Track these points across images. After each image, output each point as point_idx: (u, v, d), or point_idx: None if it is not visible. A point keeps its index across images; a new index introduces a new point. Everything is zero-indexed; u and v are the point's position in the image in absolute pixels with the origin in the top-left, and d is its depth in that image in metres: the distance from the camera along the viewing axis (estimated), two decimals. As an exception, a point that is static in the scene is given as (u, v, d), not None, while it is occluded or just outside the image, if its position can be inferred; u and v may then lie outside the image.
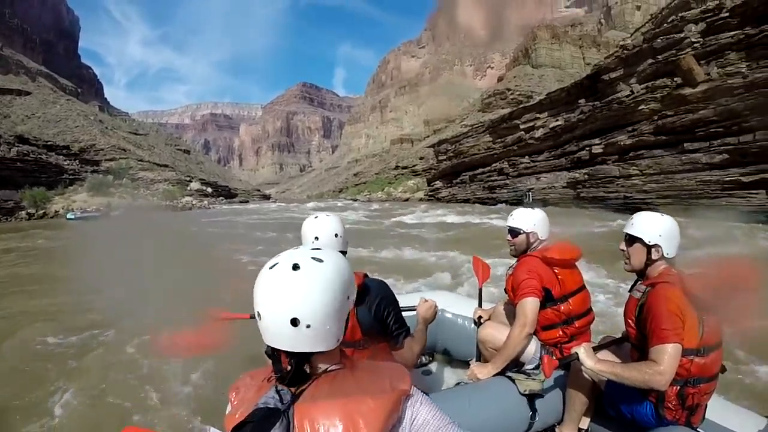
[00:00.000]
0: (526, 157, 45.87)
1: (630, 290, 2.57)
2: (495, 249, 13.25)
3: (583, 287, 2.99)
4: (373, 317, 2.10)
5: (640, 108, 31.63)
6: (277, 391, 1.11)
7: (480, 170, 54.92)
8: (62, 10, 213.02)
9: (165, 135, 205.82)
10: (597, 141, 34.94)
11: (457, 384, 3.18)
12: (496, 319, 3.40)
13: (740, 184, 23.38)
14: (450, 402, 2.47)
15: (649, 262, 2.46)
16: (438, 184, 70.20)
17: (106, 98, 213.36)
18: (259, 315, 1.12)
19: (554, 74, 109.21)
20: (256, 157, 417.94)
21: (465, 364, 3.57)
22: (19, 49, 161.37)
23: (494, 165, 51.46)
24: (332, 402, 1.08)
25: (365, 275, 2.29)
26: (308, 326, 1.11)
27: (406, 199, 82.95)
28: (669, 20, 36.75)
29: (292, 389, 1.12)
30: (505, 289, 3.14)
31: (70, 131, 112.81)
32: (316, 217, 2.45)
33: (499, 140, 52.63)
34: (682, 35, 32.45)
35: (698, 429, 2.32)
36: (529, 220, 3.08)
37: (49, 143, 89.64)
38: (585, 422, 2.72)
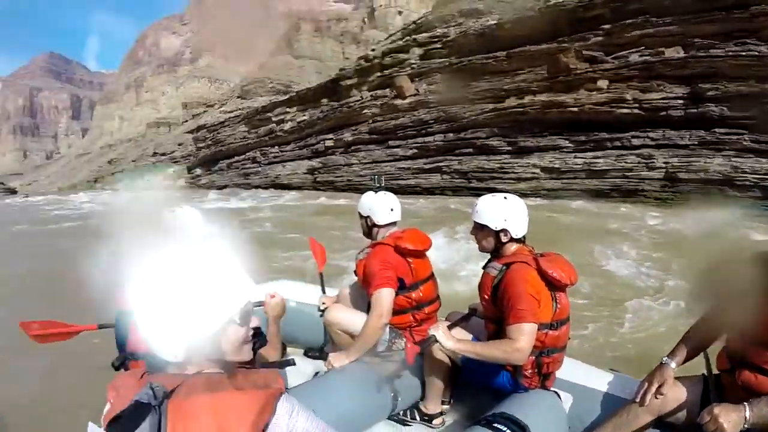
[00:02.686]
0: (276, 147, 51.34)
1: (484, 267, 2.66)
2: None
3: (432, 275, 3.10)
4: None
5: (364, 112, 38.83)
6: (151, 387, 1.12)
7: (236, 158, 59.19)
8: None
9: None
10: (330, 136, 41.71)
11: (315, 375, 3.23)
12: (342, 303, 3.46)
13: (423, 169, 31.99)
14: (311, 394, 2.45)
15: (500, 245, 2.58)
16: (198, 171, 72.57)
17: None
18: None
19: (314, 66, 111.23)
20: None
21: (318, 353, 3.66)
22: None
23: (248, 154, 56.21)
24: (206, 398, 1.11)
25: None
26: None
27: (168, 188, 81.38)
28: (403, 40, 43.92)
29: (168, 386, 1.14)
30: (354, 272, 3.18)
31: None
32: (174, 212, 2.59)
33: (254, 131, 57.50)
34: (407, 56, 40.50)
35: (551, 389, 2.59)
36: (366, 204, 3.18)
37: None
38: (446, 394, 2.88)
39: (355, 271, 3.16)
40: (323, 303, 3.49)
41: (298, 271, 8.97)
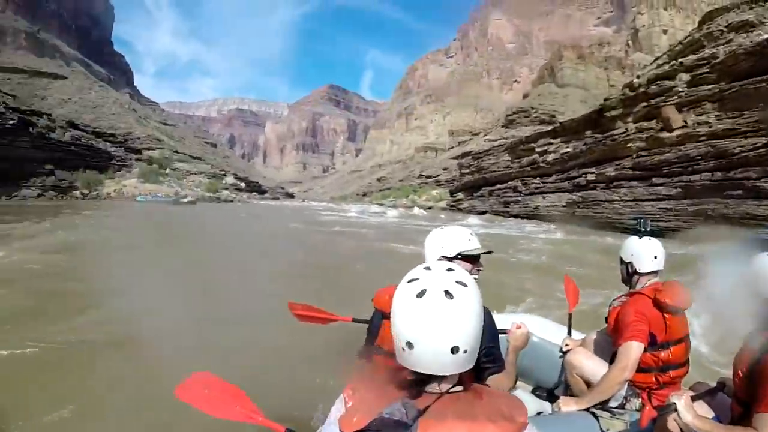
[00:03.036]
0: (538, 178, 52.79)
1: (747, 339, 2.38)
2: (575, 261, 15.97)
3: (686, 337, 2.93)
4: None
5: (628, 145, 37.70)
6: (403, 404, 1.15)
7: (498, 186, 62.19)
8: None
9: (193, 127, 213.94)
10: (593, 170, 41.65)
11: (538, 414, 3.17)
12: (587, 347, 3.42)
13: (687, 212, 30.42)
14: None
15: None
16: (460, 195, 77.56)
17: (135, 86, 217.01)
18: (409, 345, 1.17)
19: (578, 94, 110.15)
20: (281, 155, 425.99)
21: (546, 393, 3.63)
22: (55, 34, 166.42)
23: (510, 183, 58.65)
24: (457, 423, 1.13)
25: None
26: (465, 351, 1.17)
27: (430, 208, 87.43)
28: (669, 64, 41.12)
29: (419, 405, 1.17)
30: (605, 319, 3.14)
31: (106, 118, 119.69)
32: (442, 228, 2.60)
33: (517, 160, 59.42)
34: (673, 83, 37.56)
35: None
36: (628, 249, 3.13)
37: (96, 130, 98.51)
38: None
39: (606, 318, 3.11)
40: (566, 344, 3.53)
41: (554, 306, 9.08)
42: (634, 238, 3.16)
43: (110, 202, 60.34)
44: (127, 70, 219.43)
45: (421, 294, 1.18)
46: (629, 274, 3.13)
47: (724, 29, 38.59)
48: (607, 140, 41.26)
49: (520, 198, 54.88)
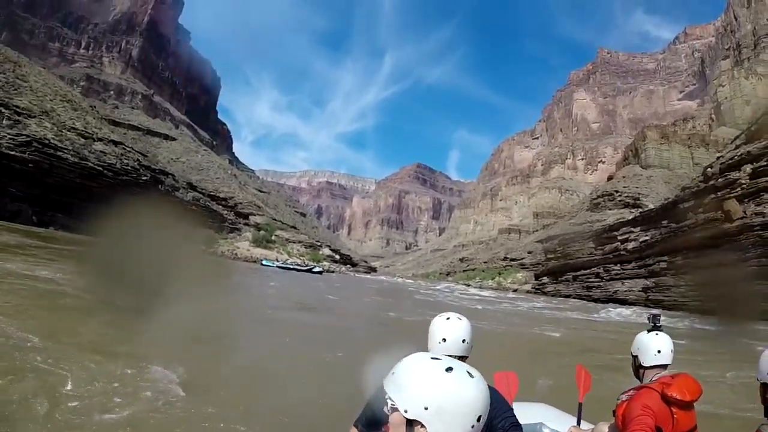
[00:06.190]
0: (618, 265, 58.45)
1: (759, 428, 2.54)
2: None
3: (694, 428, 2.95)
4: None
5: (696, 235, 42.12)
6: None
7: (581, 272, 67.95)
8: (207, 69, 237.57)
9: (285, 196, 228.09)
10: (665, 258, 47.22)
11: None
12: None
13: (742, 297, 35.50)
14: None
15: None
16: (545, 279, 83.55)
17: (234, 153, 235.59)
18: (480, 419, 1.22)
19: (662, 175, 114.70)
20: (365, 229, 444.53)
21: None
22: (167, 98, 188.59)
23: (593, 269, 64.40)
24: None
25: None
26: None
27: (515, 290, 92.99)
28: (738, 155, 44.83)
29: None
30: (613, 412, 3.15)
31: (211, 181, 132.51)
32: (447, 318, 2.66)
33: (600, 247, 65.42)
34: (738, 175, 41.74)
35: None
36: (636, 343, 3.25)
37: (211, 193, 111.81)
38: None
39: (614, 411, 3.14)
40: None
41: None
42: (642, 333, 3.27)
43: (238, 263, 67.30)
44: (227, 137, 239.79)
45: (473, 375, 1.27)
46: (636, 368, 3.27)
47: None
48: (678, 231, 46.83)
49: (601, 283, 60.68)
